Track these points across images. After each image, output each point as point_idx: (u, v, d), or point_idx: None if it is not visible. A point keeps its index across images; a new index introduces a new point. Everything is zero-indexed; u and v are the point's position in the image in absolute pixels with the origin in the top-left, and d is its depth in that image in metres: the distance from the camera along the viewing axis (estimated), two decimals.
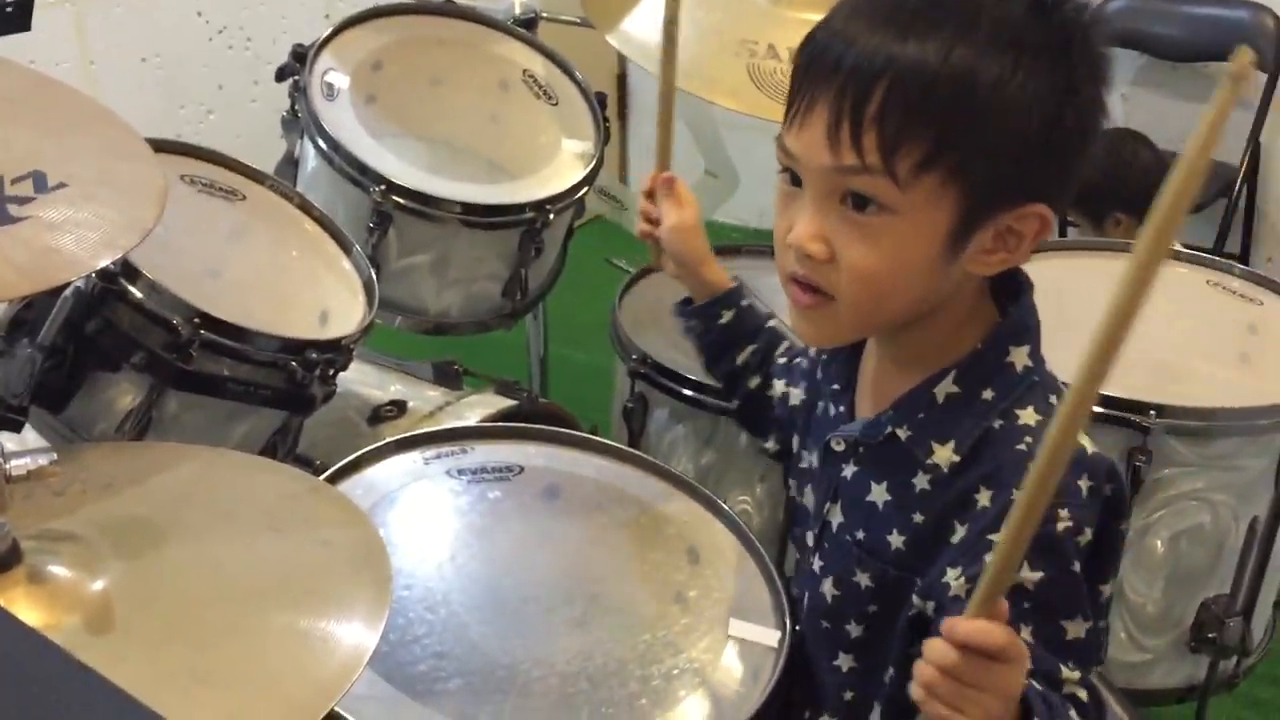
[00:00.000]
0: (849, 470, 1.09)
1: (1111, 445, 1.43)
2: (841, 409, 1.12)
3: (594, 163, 1.85)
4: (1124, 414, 1.45)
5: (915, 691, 0.86)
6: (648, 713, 1.07)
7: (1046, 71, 0.91)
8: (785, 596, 1.19)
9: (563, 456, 1.37)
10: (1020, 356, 1.01)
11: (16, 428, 1.34)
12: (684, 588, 1.21)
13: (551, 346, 2.30)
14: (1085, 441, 0.97)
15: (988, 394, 1.00)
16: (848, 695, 1.13)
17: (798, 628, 1.16)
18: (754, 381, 1.32)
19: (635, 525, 1.29)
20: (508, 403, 1.75)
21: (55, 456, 0.78)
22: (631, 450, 1.40)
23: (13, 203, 0.98)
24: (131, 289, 1.31)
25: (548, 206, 1.75)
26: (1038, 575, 0.93)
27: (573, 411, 1.87)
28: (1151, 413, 1.47)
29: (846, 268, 0.96)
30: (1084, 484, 0.95)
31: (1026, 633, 0.91)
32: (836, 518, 1.11)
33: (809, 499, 1.17)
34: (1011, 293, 1.04)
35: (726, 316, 1.32)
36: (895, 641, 1.06)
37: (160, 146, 1.50)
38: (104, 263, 1.00)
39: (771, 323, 1.34)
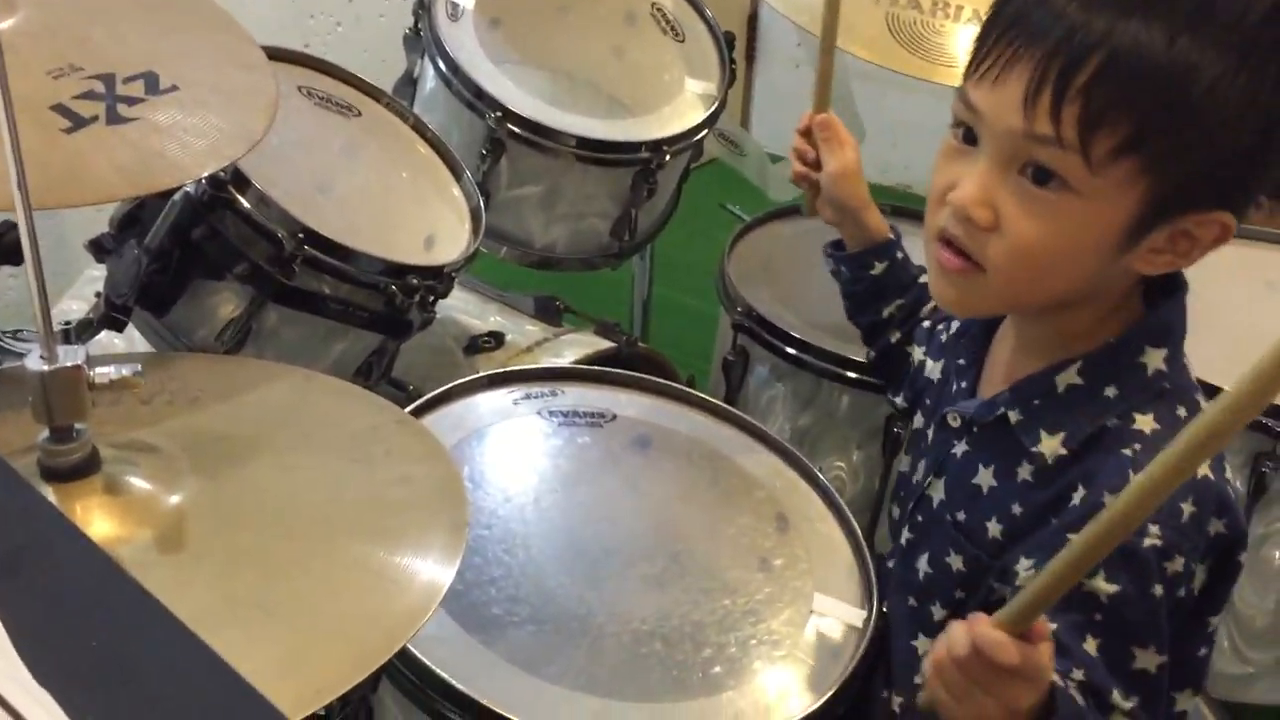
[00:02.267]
0: (960, 448, 1.05)
1: (1238, 450, 1.35)
2: (964, 384, 1.08)
3: (716, 105, 1.79)
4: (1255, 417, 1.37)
5: (926, 663, 0.84)
6: (721, 681, 1.03)
7: (1273, 79, 0.84)
8: (875, 575, 1.15)
9: (657, 407, 1.34)
10: (1155, 358, 0.95)
11: (120, 327, 1.35)
12: (770, 555, 1.17)
13: (656, 288, 2.26)
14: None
15: (1110, 391, 0.95)
16: (919, 680, 1.08)
17: (884, 609, 1.11)
18: (895, 336, 1.30)
19: (725, 486, 1.25)
20: (606, 345, 1.72)
21: (139, 368, 0.76)
22: (727, 407, 1.36)
23: (123, 102, 0.97)
24: (240, 199, 1.30)
25: (665, 147, 1.70)
26: (1113, 588, 0.88)
27: (672, 357, 1.84)
28: None
29: (1009, 240, 0.90)
30: (1186, 508, 0.89)
31: (1092, 645, 0.87)
32: (938, 493, 1.07)
33: (917, 472, 1.13)
34: (1164, 290, 0.97)
35: (879, 268, 1.28)
36: None
37: (279, 55, 1.48)
38: (208, 171, 0.99)
39: (923, 279, 1.29)
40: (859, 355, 1.52)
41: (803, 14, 1.69)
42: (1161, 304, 0.96)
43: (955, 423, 1.05)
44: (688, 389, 1.38)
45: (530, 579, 1.09)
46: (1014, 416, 0.98)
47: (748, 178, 2.37)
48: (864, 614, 1.11)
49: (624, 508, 1.20)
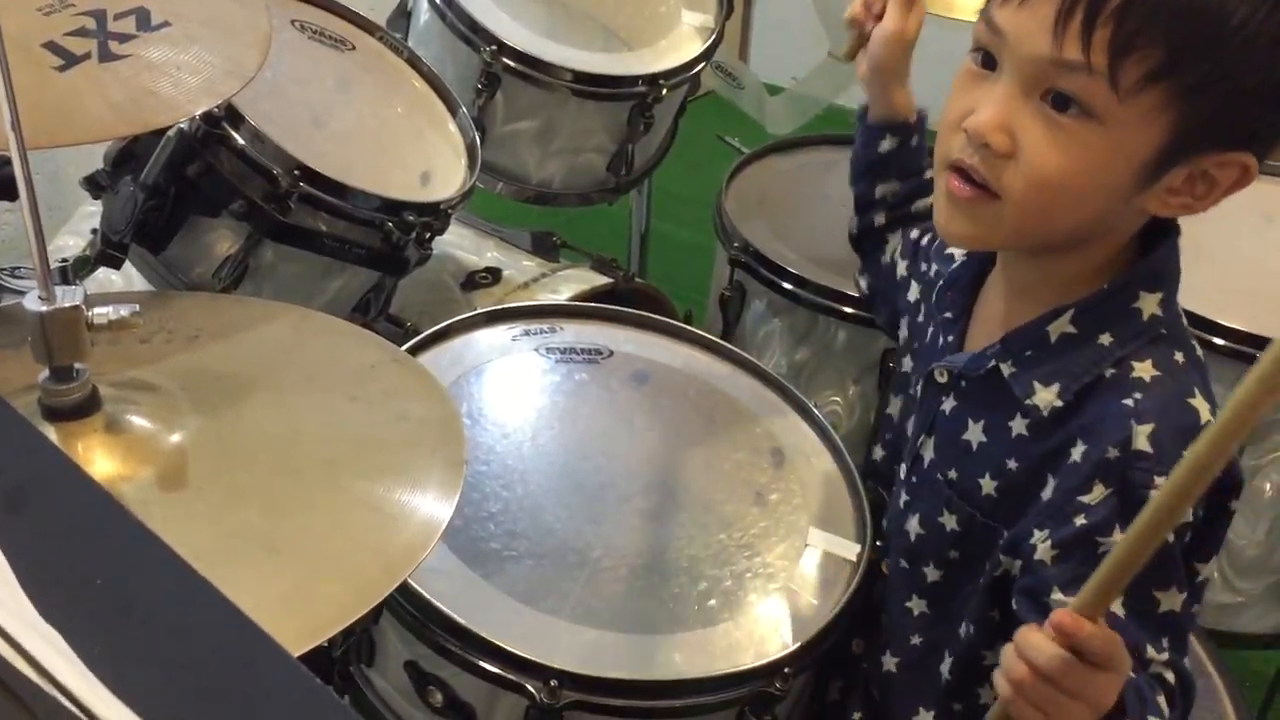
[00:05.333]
0: (948, 404, 1.04)
1: (1231, 381, 1.34)
2: (950, 339, 1.06)
3: (713, 37, 1.77)
4: (1246, 348, 1.38)
5: (1001, 685, 0.81)
6: (715, 613, 1.05)
7: None
8: (869, 509, 1.16)
9: (653, 344, 1.35)
10: (1150, 303, 0.94)
11: (117, 264, 1.35)
12: (765, 490, 1.19)
13: (654, 221, 2.25)
14: (1200, 406, 0.90)
15: (1105, 339, 0.93)
16: (915, 640, 1.09)
17: (879, 543, 1.13)
18: (881, 218, 1.27)
19: (721, 421, 1.26)
20: (602, 280, 1.72)
21: (138, 308, 0.76)
22: (723, 343, 1.37)
23: (114, 39, 0.96)
24: (234, 135, 1.29)
25: (661, 80, 1.69)
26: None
27: (670, 291, 1.84)
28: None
29: (1026, 167, 0.88)
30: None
31: (1116, 603, 0.86)
32: (929, 453, 1.06)
33: (908, 426, 1.12)
34: (1157, 234, 0.96)
35: (887, 145, 1.24)
36: (974, 596, 1.01)
37: None
38: (201, 109, 0.98)
39: (929, 174, 1.25)
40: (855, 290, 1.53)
41: None
42: (1156, 247, 0.95)
43: (943, 378, 1.04)
44: (684, 325, 1.38)
45: (528, 514, 1.11)
46: (1006, 369, 0.97)
47: (745, 111, 2.35)
48: (858, 547, 1.13)
49: (621, 443, 1.21)
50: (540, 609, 1.02)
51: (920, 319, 1.16)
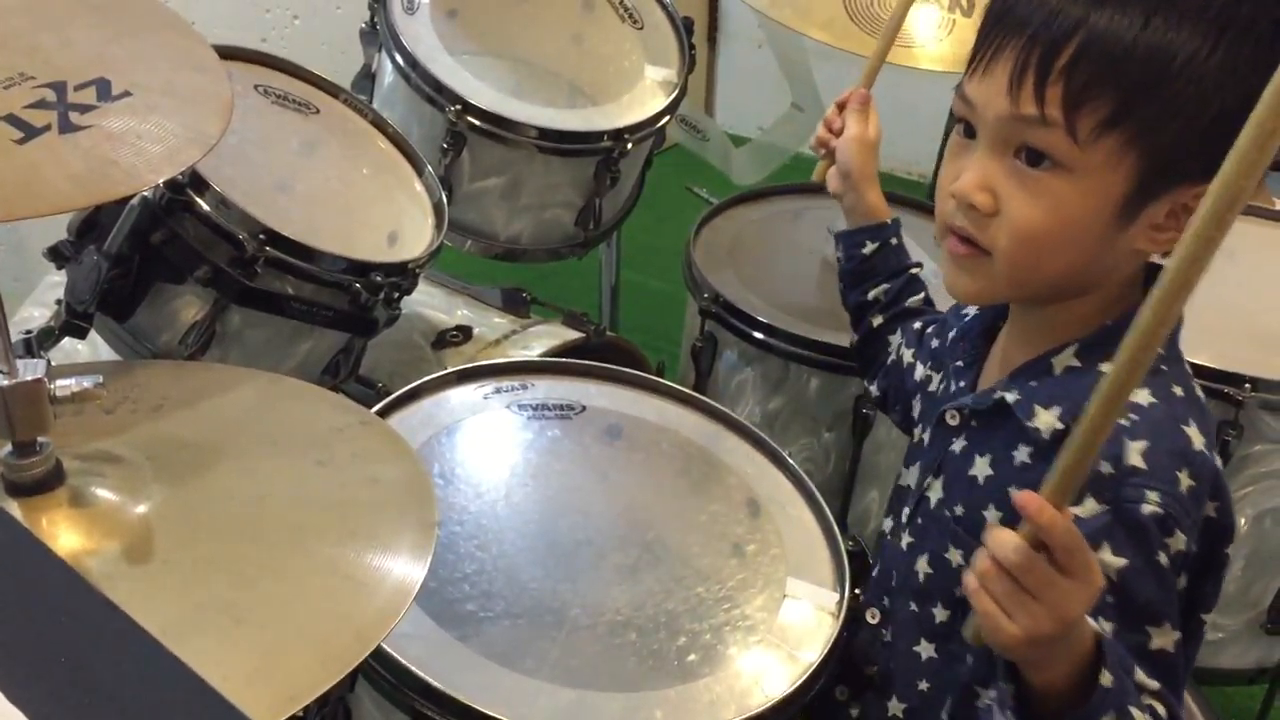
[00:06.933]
0: (958, 444, 1.05)
1: None
2: (963, 384, 1.09)
3: (677, 91, 1.79)
4: (1216, 385, 1.39)
5: (968, 581, 0.82)
6: (696, 668, 1.04)
7: (1251, 51, 0.87)
8: (846, 557, 1.16)
9: (625, 397, 1.34)
10: None
11: (82, 334, 1.34)
12: (742, 541, 1.18)
13: (624, 272, 2.26)
14: (1194, 436, 0.91)
15: (1106, 367, 0.94)
16: (923, 685, 1.09)
17: (857, 591, 1.12)
18: (877, 320, 1.32)
19: (696, 473, 1.26)
20: (574, 335, 1.72)
21: (101, 379, 0.76)
22: (695, 394, 1.36)
23: (75, 110, 0.95)
24: (199, 201, 1.29)
25: (626, 135, 1.70)
26: (1120, 561, 0.87)
27: (642, 342, 1.84)
28: (1246, 385, 1.40)
29: (1009, 222, 0.93)
30: (1184, 478, 0.89)
31: (1107, 628, 0.86)
32: (936, 493, 1.07)
33: (911, 476, 1.13)
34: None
35: (870, 247, 1.31)
36: None
37: (234, 54, 1.47)
38: (164, 178, 0.97)
39: (914, 270, 1.32)
40: (826, 338, 1.53)
41: None
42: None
43: (954, 420, 1.06)
44: (656, 378, 1.38)
45: (504, 573, 1.09)
46: (1010, 397, 0.99)
47: (711, 162, 2.37)
48: (836, 596, 1.12)
49: (596, 499, 1.20)
50: (519, 670, 1.01)
51: (932, 387, 1.18)
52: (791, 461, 1.28)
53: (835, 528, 1.19)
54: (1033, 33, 0.89)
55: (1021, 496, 0.77)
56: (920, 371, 1.22)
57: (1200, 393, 0.97)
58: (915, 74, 1.64)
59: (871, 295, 1.32)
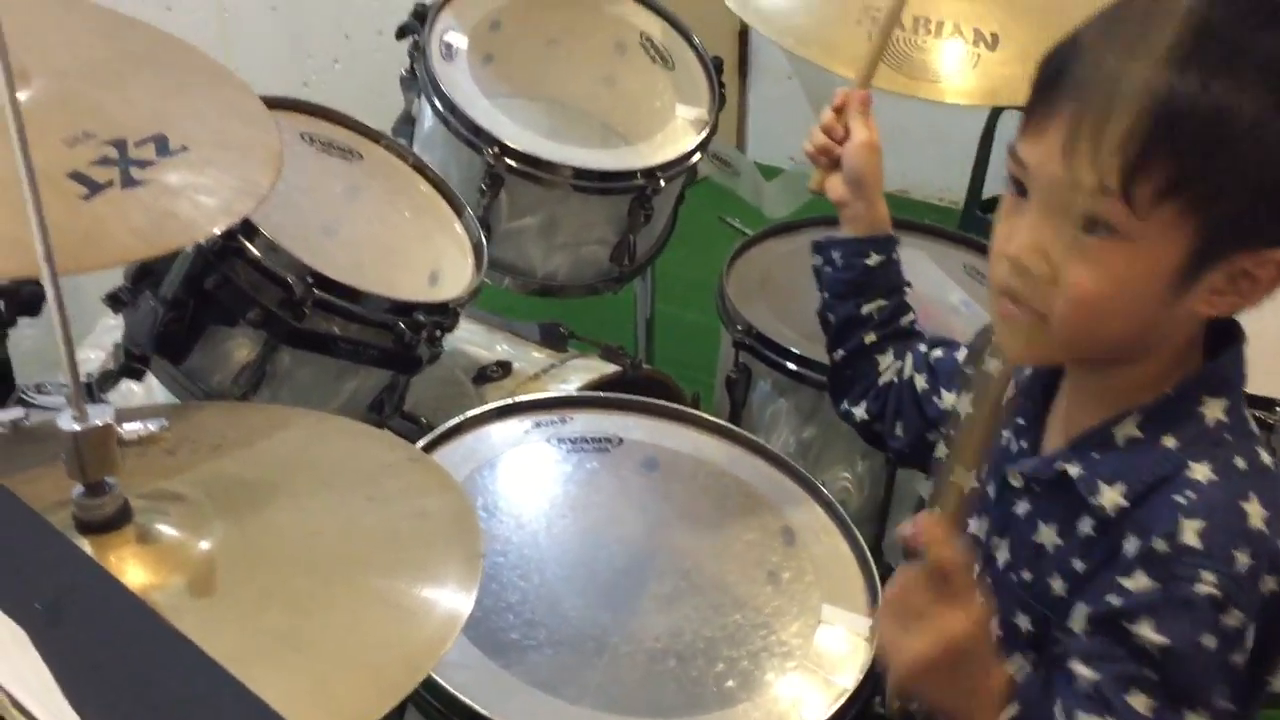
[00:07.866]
0: (1022, 507, 1.03)
1: None
2: (1024, 444, 1.05)
3: (708, 129, 1.83)
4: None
5: (876, 616, 0.88)
6: (734, 694, 1.07)
7: None
8: (880, 583, 1.18)
9: (662, 429, 1.38)
10: (1214, 408, 0.93)
11: (139, 376, 1.39)
12: (778, 569, 1.21)
13: (659, 304, 2.30)
14: (1254, 512, 0.88)
15: (1170, 441, 0.93)
16: None
17: None
18: (870, 337, 1.28)
19: (731, 503, 1.29)
20: (611, 369, 1.76)
21: (166, 423, 0.80)
22: (731, 426, 1.40)
23: (135, 165, 1.01)
24: (250, 246, 1.34)
25: (659, 173, 1.74)
26: (1164, 640, 0.86)
27: (677, 374, 1.87)
28: (1278, 409, 1.41)
29: (1065, 288, 0.90)
30: (1242, 558, 0.87)
31: (1140, 702, 0.86)
32: (1003, 554, 1.05)
33: (979, 526, 1.09)
34: (1224, 339, 0.96)
35: (874, 259, 1.27)
36: None
37: (281, 104, 1.53)
38: (219, 228, 1.02)
39: (907, 292, 1.29)
40: None
41: (787, 36, 1.73)
42: (1221, 354, 0.95)
43: (1017, 482, 1.03)
44: (691, 410, 1.41)
45: (546, 603, 1.13)
46: (1074, 471, 0.96)
47: (742, 196, 2.40)
48: (870, 622, 1.15)
49: (634, 529, 1.24)
50: (562, 697, 1.04)
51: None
52: (825, 490, 1.30)
53: (869, 555, 1.22)
54: (1088, 97, 0.85)
55: (919, 516, 0.83)
56: (948, 399, 1.20)
57: (1269, 461, 0.94)
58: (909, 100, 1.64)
59: (865, 310, 1.27)
